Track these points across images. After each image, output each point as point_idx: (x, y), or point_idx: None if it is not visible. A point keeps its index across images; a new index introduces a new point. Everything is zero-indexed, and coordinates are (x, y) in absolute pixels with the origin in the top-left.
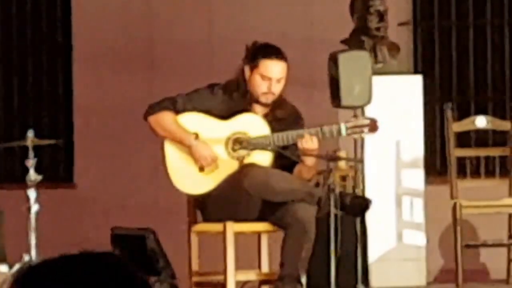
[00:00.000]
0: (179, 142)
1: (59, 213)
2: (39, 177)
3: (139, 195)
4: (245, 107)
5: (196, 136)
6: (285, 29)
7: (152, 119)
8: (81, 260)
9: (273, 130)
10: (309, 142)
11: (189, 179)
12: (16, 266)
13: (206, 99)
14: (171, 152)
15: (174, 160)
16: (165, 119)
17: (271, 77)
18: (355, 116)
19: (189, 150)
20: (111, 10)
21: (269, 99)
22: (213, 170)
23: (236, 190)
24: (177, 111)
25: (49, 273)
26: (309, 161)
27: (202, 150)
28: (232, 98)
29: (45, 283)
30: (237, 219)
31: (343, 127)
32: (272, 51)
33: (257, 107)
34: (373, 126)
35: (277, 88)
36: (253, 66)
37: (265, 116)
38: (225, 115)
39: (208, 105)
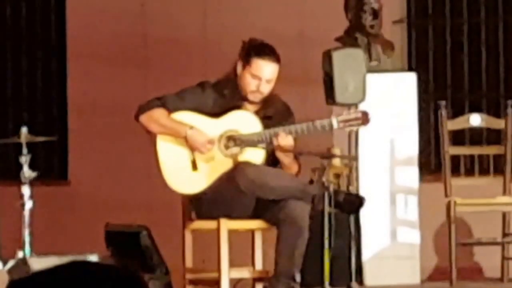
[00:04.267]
0: (175, 135)
1: (53, 210)
2: (33, 174)
3: (133, 192)
4: (236, 104)
5: (191, 127)
6: (279, 27)
7: (144, 117)
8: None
9: (265, 127)
10: (284, 139)
11: (183, 178)
12: (10, 263)
13: (197, 97)
14: (164, 152)
15: (167, 160)
16: (157, 115)
17: (261, 77)
18: (349, 108)
19: (185, 140)
20: (105, 8)
21: (256, 97)
22: (209, 160)
23: (230, 188)
24: (168, 110)
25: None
26: (285, 160)
27: (199, 138)
28: (223, 96)
29: None
30: (231, 217)
31: (334, 120)
32: (266, 51)
33: (248, 104)
34: (365, 119)
35: (265, 88)
36: (246, 64)
37: (256, 113)
38: (217, 113)
39: (199, 103)
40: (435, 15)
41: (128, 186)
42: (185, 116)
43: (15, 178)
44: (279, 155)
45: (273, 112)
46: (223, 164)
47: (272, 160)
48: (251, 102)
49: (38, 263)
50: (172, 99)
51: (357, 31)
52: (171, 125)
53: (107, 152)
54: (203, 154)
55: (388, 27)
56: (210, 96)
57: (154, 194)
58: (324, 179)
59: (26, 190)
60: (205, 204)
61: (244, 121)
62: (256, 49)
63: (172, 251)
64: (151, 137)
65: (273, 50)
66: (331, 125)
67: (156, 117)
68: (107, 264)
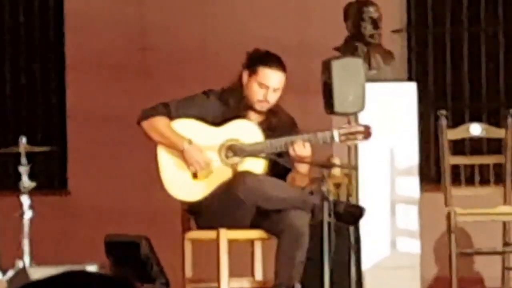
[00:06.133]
0: (172, 147)
1: (53, 219)
2: (32, 184)
3: (132, 202)
4: (240, 114)
5: (190, 141)
6: (279, 36)
7: (145, 123)
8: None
9: (268, 137)
10: (301, 148)
11: (183, 186)
12: (10, 272)
13: (201, 105)
14: (165, 159)
15: (168, 166)
16: (158, 124)
17: (268, 85)
18: (349, 122)
19: (181, 155)
20: (104, 18)
21: (263, 107)
22: (207, 175)
23: (230, 198)
24: (171, 117)
25: None
26: (302, 168)
27: (195, 155)
28: (228, 105)
29: None
30: (231, 226)
31: (336, 133)
32: (273, 60)
33: (252, 114)
34: (366, 133)
35: (272, 97)
36: (252, 72)
37: (260, 124)
38: (220, 122)
39: (203, 111)
40: (435, 24)
41: (127, 195)
42: (187, 124)
43: (15, 188)
44: (296, 164)
45: (277, 123)
46: (223, 173)
47: (272, 171)
48: (257, 112)
49: (38, 273)
50: (176, 106)
51: (357, 41)
52: (170, 136)
53: (106, 162)
54: (196, 171)
55: (388, 36)
56: (214, 104)
57: (154, 204)
58: (323, 189)
59: (25, 200)
60: (205, 214)
61: (246, 130)
62: (262, 58)
63: (172, 261)
64: (153, 142)
65: (280, 59)
66: (332, 138)
67: (156, 126)
68: (103, 274)
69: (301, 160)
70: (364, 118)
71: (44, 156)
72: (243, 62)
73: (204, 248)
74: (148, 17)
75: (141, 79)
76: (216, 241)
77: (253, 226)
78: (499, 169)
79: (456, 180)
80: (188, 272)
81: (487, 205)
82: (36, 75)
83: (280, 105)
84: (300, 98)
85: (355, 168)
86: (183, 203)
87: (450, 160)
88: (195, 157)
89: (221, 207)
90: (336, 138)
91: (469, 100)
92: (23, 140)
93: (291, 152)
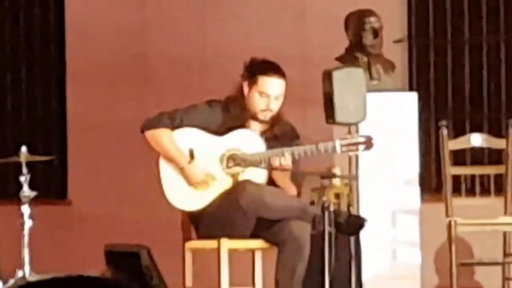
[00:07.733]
0: (172, 162)
1: (53, 229)
2: (32, 193)
3: (133, 211)
4: (243, 123)
5: (191, 154)
6: (279, 46)
7: (148, 133)
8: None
9: (270, 147)
10: (281, 159)
11: (183, 195)
12: (10, 282)
13: (204, 114)
14: (166, 167)
15: (169, 175)
16: (160, 136)
17: (269, 94)
18: (350, 133)
19: (181, 171)
20: (105, 26)
21: (267, 116)
22: (206, 188)
23: (230, 207)
24: (174, 126)
25: None
26: (281, 184)
27: (194, 174)
28: (231, 114)
29: None
30: (232, 236)
31: (337, 144)
32: (270, 68)
33: (255, 124)
34: (368, 144)
35: (275, 106)
36: (252, 83)
37: (263, 134)
38: (222, 131)
39: (206, 120)
40: (436, 34)
41: (128, 204)
42: (189, 133)
43: (15, 198)
44: (276, 178)
45: (280, 134)
46: (224, 183)
47: (274, 181)
48: (260, 121)
49: None
50: (180, 115)
51: (358, 51)
52: (172, 152)
53: (106, 171)
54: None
55: (389, 46)
56: (217, 114)
57: (154, 213)
58: (324, 199)
59: (25, 209)
60: (205, 223)
61: (248, 140)
62: (260, 67)
63: (172, 270)
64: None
65: (277, 66)
66: (334, 149)
67: (160, 138)
68: (104, 278)
69: (279, 168)
70: (365, 128)
71: (45, 165)
72: (242, 73)
73: (204, 258)
74: (149, 26)
75: (142, 88)
76: (217, 250)
77: (253, 235)
78: (500, 179)
79: (456, 190)
80: (188, 282)
81: (488, 215)
82: (36, 84)
83: (283, 115)
84: (301, 108)
85: (356, 178)
86: (183, 212)
87: (451, 170)
88: (194, 177)
89: (222, 216)
90: (338, 149)
91: (470, 110)
92: (24, 149)
93: (272, 163)
